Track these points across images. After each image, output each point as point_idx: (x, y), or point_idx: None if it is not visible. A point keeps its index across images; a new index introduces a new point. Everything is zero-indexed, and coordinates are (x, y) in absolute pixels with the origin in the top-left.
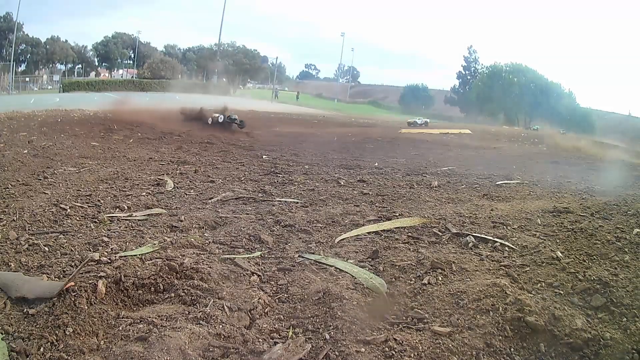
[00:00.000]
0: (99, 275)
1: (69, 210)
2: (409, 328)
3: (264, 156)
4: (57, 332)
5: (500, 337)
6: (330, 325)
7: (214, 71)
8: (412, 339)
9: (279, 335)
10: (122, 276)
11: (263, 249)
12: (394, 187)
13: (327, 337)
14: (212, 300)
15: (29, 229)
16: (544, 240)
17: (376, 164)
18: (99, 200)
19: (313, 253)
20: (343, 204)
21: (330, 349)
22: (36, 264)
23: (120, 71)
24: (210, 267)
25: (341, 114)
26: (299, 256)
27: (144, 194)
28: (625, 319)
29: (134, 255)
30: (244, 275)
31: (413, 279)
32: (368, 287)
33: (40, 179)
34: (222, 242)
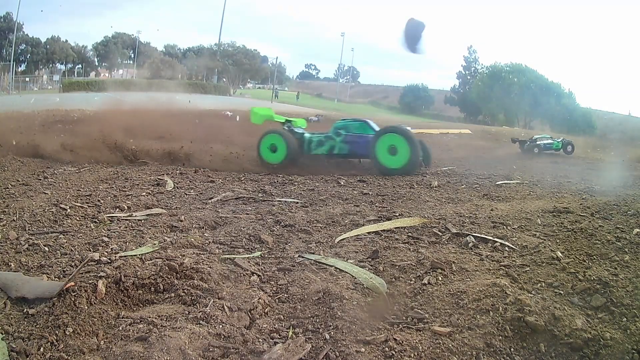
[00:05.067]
0: (99, 275)
1: (69, 210)
2: (409, 328)
3: None
4: (57, 332)
5: (500, 337)
6: (330, 325)
7: (214, 71)
8: (412, 339)
9: (279, 335)
10: (122, 276)
11: (263, 249)
12: (394, 187)
13: (327, 337)
14: (212, 300)
15: (29, 229)
16: (544, 240)
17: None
18: (99, 200)
19: (313, 253)
20: (343, 204)
21: (330, 349)
22: (36, 264)
23: (120, 71)
24: (210, 267)
25: (341, 114)
26: (299, 256)
27: (144, 194)
28: (625, 319)
29: (134, 255)
30: (244, 275)
31: (413, 279)
32: (368, 287)
33: (40, 179)
34: (222, 242)
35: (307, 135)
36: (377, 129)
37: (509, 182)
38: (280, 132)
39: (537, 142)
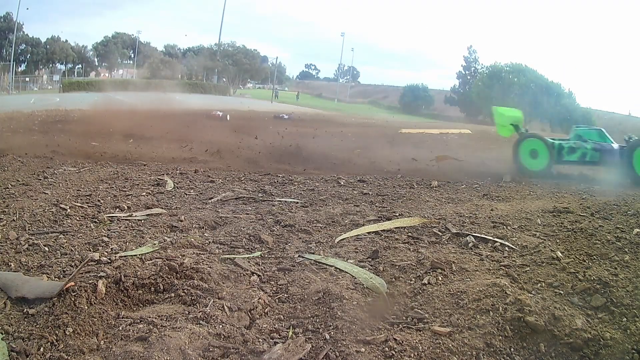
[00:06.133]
0: (99, 275)
1: (69, 210)
2: (409, 328)
3: None
4: (57, 332)
5: (500, 337)
6: (330, 325)
7: (214, 71)
8: (412, 339)
9: (279, 335)
10: (122, 276)
11: (263, 249)
12: (394, 187)
13: (327, 337)
14: (212, 300)
15: (29, 229)
16: (544, 240)
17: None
18: (99, 200)
19: (313, 253)
20: (343, 204)
21: (330, 349)
22: (36, 264)
23: (120, 71)
24: (210, 267)
25: (341, 114)
26: (299, 256)
27: (144, 194)
28: (625, 319)
29: (134, 255)
30: (244, 275)
31: (413, 279)
32: (368, 287)
33: (40, 179)
34: (222, 242)
35: (552, 140)
36: (610, 138)
37: (509, 182)
38: (541, 137)
39: None
